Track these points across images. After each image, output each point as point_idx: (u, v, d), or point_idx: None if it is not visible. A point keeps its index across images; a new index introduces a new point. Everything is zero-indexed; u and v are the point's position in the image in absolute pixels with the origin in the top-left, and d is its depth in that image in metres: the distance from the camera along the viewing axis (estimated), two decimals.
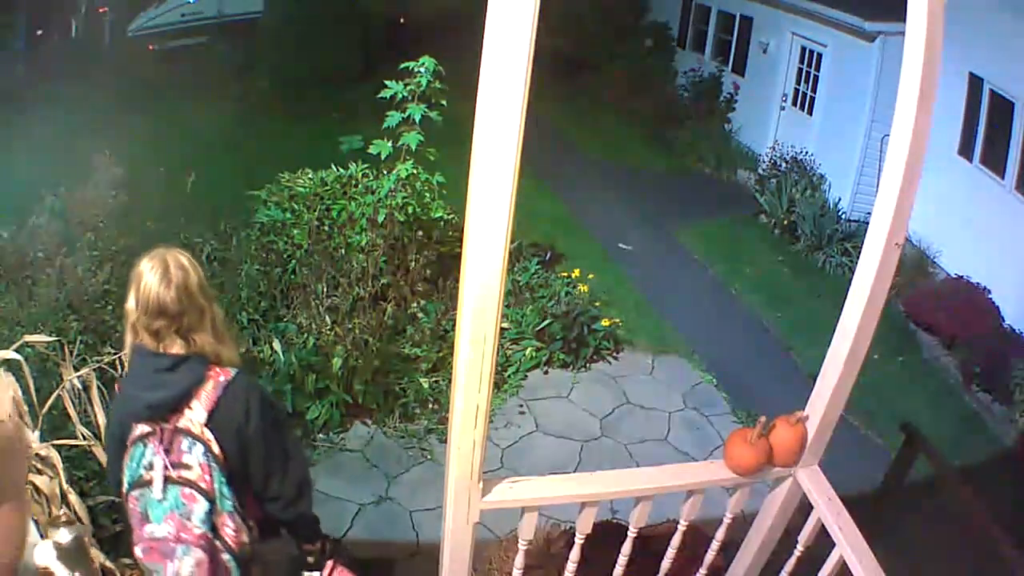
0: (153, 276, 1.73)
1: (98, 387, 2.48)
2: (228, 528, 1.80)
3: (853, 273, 1.97)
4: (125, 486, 1.78)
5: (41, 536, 1.90)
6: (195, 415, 1.77)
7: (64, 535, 1.64)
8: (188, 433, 1.75)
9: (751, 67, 10.52)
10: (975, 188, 6.64)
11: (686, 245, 7.56)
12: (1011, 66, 6.21)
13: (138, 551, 1.75)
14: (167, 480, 1.72)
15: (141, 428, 1.77)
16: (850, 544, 2.03)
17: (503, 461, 4.19)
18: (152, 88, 9.76)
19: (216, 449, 1.78)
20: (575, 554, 2.25)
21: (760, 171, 9.22)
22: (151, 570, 1.75)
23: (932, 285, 6.67)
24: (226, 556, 1.80)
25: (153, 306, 1.73)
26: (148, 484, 1.72)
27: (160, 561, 1.72)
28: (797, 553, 2.31)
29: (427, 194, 4.94)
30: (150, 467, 1.74)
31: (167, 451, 1.74)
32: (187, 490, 1.72)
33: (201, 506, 1.73)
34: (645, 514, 2.17)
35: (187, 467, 1.74)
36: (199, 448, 1.75)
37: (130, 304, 1.77)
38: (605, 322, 5.21)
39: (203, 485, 1.74)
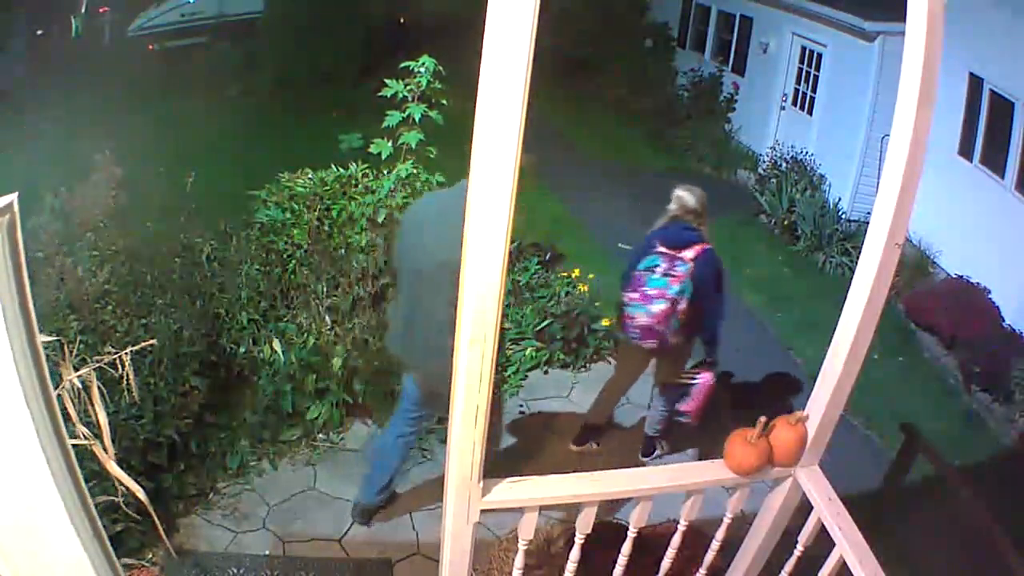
0: (690, 194, 3.76)
1: (98, 387, 2.47)
2: (680, 307, 3.50)
3: (853, 273, 1.97)
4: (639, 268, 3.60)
5: None
6: (688, 254, 3.54)
7: None
8: (684, 260, 3.54)
9: (751, 67, 10.53)
10: (975, 188, 6.65)
11: None
12: (1011, 66, 6.22)
13: (629, 295, 3.61)
14: (666, 274, 3.53)
15: (662, 248, 3.61)
16: (850, 544, 2.03)
17: None
18: (152, 88, 9.76)
19: (691, 274, 3.50)
20: (575, 554, 2.25)
21: (760, 171, 9.23)
22: (633, 309, 3.58)
23: (932, 285, 6.67)
24: (672, 321, 3.52)
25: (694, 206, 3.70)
26: (654, 271, 3.56)
27: (642, 302, 3.54)
28: (797, 553, 2.31)
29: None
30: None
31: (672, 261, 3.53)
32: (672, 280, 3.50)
33: (674, 289, 3.50)
34: (645, 514, 2.17)
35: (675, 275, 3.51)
36: (683, 267, 3.53)
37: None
38: (605, 322, 5.20)
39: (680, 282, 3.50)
